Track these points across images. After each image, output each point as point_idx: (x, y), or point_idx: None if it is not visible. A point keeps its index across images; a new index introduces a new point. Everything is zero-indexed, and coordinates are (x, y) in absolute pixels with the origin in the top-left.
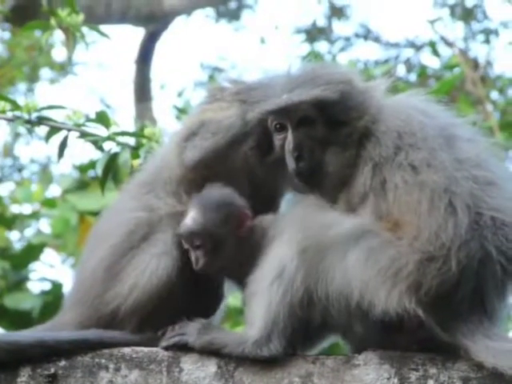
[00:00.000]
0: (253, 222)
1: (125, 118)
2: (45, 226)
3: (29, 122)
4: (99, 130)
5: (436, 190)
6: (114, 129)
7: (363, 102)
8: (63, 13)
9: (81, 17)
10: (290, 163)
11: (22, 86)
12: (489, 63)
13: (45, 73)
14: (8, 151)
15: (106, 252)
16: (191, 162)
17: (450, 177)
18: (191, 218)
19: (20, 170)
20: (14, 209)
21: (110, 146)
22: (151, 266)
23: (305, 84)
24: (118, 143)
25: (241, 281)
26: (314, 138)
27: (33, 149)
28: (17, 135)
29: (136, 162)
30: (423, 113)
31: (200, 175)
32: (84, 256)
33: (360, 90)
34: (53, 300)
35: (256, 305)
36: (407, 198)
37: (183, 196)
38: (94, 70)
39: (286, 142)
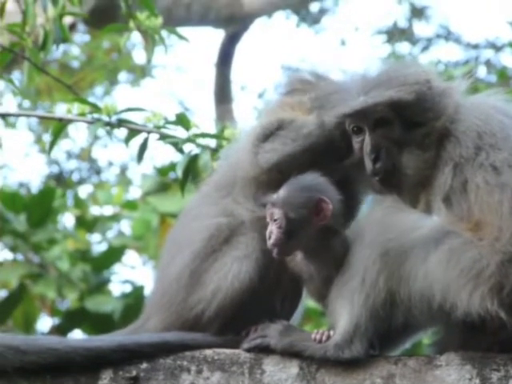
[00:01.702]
0: (333, 214)
1: (204, 120)
2: (126, 227)
3: (108, 124)
4: (179, 132)
5: None
6: (193, 131)
7: (440, 103)
8: (142, 16)
9: (160, 19)
10: (368, 165)
11: (100, 89)
12: None
13: (123, 76)
14: (87, 154)
15: (189, 258)
16: (266, 164)
17: None
18: (279, 192)
19: (98, 172)
20: (95, 211)
21: (190, 148)
22: (233, 270)
23: (380, 85)
24: (198, 145)
25: (318, 288)
26: (391, 139)
27: (111, 151)
28: (95, 138)
29: (216, 164)
30: (503, 112)
31: (273, 178)
32: (164, 262)
33: (437, 90)
34: (134, 302)
35: (339, 307)
36: (489, 198)
37: (261, 198)
38: (172, 73)
39: (364, 143)
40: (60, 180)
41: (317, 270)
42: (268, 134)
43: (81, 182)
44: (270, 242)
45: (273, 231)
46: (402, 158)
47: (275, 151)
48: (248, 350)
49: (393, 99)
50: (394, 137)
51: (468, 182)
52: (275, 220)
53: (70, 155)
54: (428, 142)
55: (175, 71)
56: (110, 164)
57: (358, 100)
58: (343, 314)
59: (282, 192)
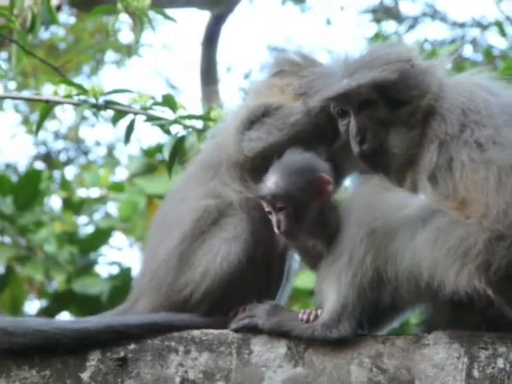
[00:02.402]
0: (334, 188)
1: (191, 99)
2: (113, 209)
3: (95, 106)
4: (166, 114)
5: (503, 167)
6: (180, 112)
7: (424, 80)
8: None
9: (147, 0)
10: (354, 147)
11: (87, 69)
12: None
13: (110, 56)
14: (74, 135)
15: (178, 240)
16: (250, 152)
17: None
18: (274, 180)
19: (86, 152)
20: (82, 193)
21: (177, 130)
22: (222, 252)
23: (363, 67)
24: (185, 126)
25: (315, 259)
26: (376, 120)
27: (98, 131)
28: (82, 118)
29: (203, 145)
30: (487, 90)
31: (257, 164)
32: (152, 243)
33: (420, 68)
34: (121, 284)
35: (326, 287)
36: (474, 176)
37: (249, 182)
38: (159, 52)
39: (350, 126)
40: (47, 160)
41: (313, 246)
42: (254, 120)
43: (68, 162)
44: (280, 231)
45: (281, 220)
46: (389, 138)
47: (260, 140)
48: (236, 331)
49: (376, 80)
50: (380, 117)
51: (453, 160)
52: (280, 209)
53: (57, 135)
54: (413, 120)
55: (162, 50)
56: (98, 144)
57: (341, 83)
58: (331, 294)
59: (277, 180)
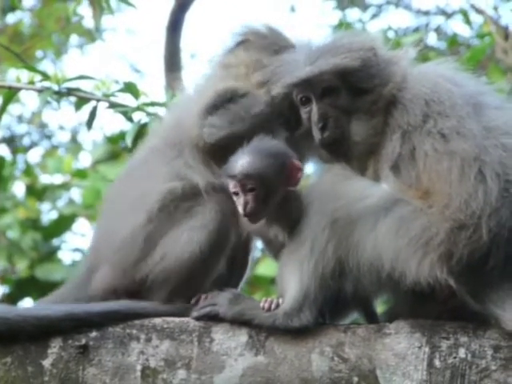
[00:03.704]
0: (302, 175)
1: (155, 84)
2: (76, 196)
3: (58, 92)
4: (128, 101)
5: (466, 158)
6: (143, 99)
7: (386, 69)
8: None
9: None
10: (316, 134)
11: (51, 54)
12: None
13: (74, 40)
14: (37, 119)
15: (143, 220)
16: (210, 139)
17: (479, 145)
18: (247, 161)
19: (49, 137)
20: (45, 179)
21: (140, 117)
22: (185, 239)
23: (326, 54)
24: (148, 113)
25: (278, 248)
26: (338, 108)
27: (62, 116)
28: (46, 103)
29: (166, 116)
30: (451, 81)
31: (217, 152)
32: (111, 215)
33: (383, 57)
34: None
35: (287, 276)
36: (437, 166)
37: (213, 166)
38: (123, 36)
39: (312, 113)
40: (11, 145)
41: (275, 235)
42: (218, 106)
43: (32, 146)
44: (245, 212)
45: (249, 201)
46: (351, 126)
47: (221, 128)
48: (197, 319)
49: (338, 67)
50: (342, 105)
51: (416, 150)
52: (250, 190)
53: (20, 119)
54: (375, 108)
55: (126, 34)
56: (61, 128)
57: (304, 70)
58: (292, 283)
59: (249, 161)
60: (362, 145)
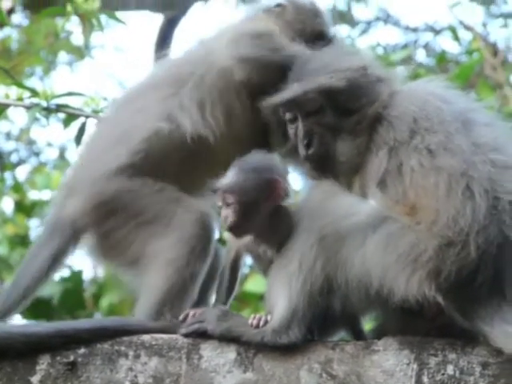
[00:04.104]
0: (287, 194)
1: None
2: None
3: (46, 109)
4: None
5: (453, 173)
6: None
7: (374, 89)
8: None
9: (97, 3)
10: (301, 151)
11: (39, 71)
12: (508, 48)
13: (63, 57)
14: (25, 136)
15: (125, 157)
16: (246, 56)
17: (467, 161)
18: (229, 175)
19: (37, 154)
20: (33, 196)
21: None
22: (164, 257)
23: (312, 73)
24: None
25: (267, 265)
26: (323, 126)
27: (50, 133)
28: (34, 120)
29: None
30: (441, 98)
31: (247, 75)
32: (95, 147)
33: (371, 77)
34: (73, 287)
35: (276, 292)
36: (424, 181)
37: (207, 108)
38: (112, 54)
39: (298, 130)
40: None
41: (264, 251)
42: (254, 36)
43: (20, 163)
44: (226, 225)
45: (228, 215)
46: (336, 145)
47: (256, 49)
48: (186, 335)
49: (323, 87)
50: (327, 123)
51: (403, 165)
52: (228, 204)
53: (8, 136)
54: (360, 128)
55: (114, 52)
56: (49, 145)
57: (289, 88)
58: (281, 299)
59: (232, 176)
60: (347, 164)
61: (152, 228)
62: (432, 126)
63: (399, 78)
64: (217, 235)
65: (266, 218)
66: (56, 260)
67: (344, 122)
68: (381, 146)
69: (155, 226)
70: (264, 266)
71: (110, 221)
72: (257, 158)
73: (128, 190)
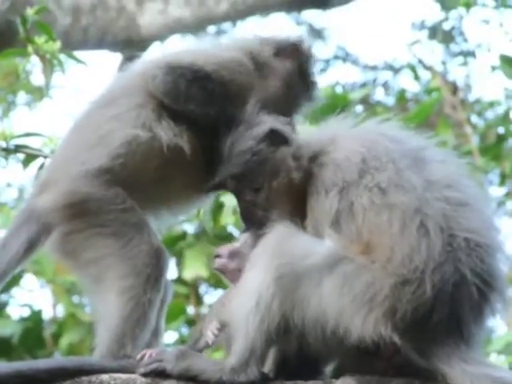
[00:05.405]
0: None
1: None
2: None
3: (6, 149)
4: None
5: (406, 210)
6: None
7: (275, 158)
8: (40, 40)
9: (57, 44)
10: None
11: None
12: (468, 86)
13: (22, 97)
14: None
15: (106, 159)
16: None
17: (420, 198)
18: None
19: None
20: None
21: None
22: (118, 288)
23: (226, 160)
24: None
25: None
26: (253, 204)
27: (9, 173)
28: None
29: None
30: (390, 139)
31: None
32: (73, 144)
33: (267, 151)
34: (33, 326)
35: (234, 331)
36: (377, 219)
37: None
38: (70, 94)
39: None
40: None
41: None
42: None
43: None
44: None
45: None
46: (270, 212)
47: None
48: (144, 375)
49: (228, 175)
50: (255, 201)
51: (354, 204)
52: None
53: None
54: (290, 187)
55: (73, 92)
56: (9, 185)
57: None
58: (238, 338)
59: None
60: (290, 221)
61: (108, 242)
62: (381, 165)
63: (343, 120)
64: (168, 270)
65: None
66: (28, 249)
67: (269, 193)
68: (330, 188)
69: (112, 242)
70: None
71: (74, 222)
72: None
73: (98, 198)
